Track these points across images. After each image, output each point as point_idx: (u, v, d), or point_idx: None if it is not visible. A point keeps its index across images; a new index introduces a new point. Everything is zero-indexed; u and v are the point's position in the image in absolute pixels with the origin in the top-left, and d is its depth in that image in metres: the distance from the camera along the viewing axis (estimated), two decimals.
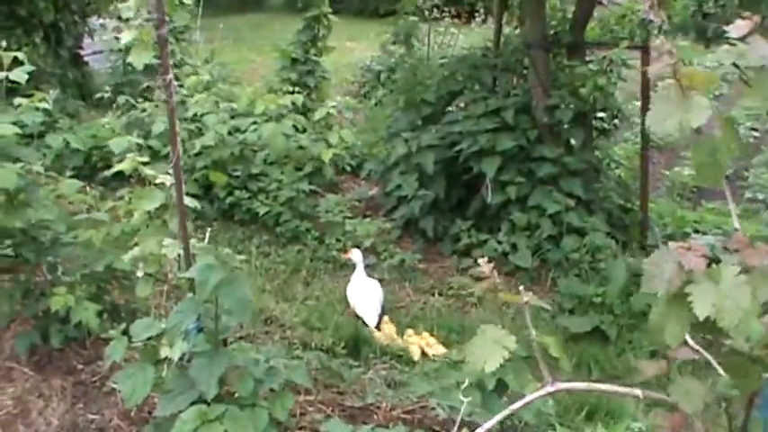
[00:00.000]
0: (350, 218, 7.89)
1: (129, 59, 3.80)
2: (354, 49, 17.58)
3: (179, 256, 4.07)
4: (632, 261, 6.85)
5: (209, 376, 3.69)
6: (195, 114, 7.65)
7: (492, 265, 2.47)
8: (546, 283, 6.97)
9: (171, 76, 3.67)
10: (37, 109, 5.14)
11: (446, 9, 13.88)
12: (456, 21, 15.27)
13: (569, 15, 7.65)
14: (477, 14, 17.13)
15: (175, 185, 3.87)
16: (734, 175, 11.23)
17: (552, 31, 7.57)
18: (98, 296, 5.47)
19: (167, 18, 3.77)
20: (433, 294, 6.89)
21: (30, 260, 5.28)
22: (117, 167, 4.58)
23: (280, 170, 8.06)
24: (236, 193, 7.80)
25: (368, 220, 7.80)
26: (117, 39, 10.12)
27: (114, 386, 5.04)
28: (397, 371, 5.65)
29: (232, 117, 8.00)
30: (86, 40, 13.30)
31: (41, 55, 10.30)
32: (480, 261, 2.43)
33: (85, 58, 13.40)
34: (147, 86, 9.00)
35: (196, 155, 7.68)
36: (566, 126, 7.18)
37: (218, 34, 12.88)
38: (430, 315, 6.50)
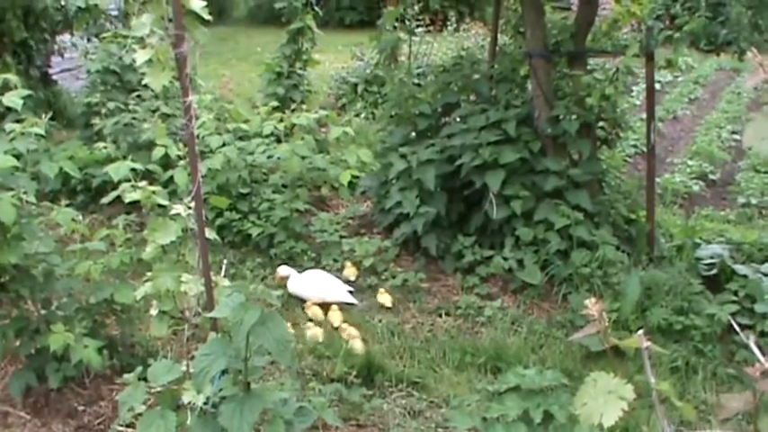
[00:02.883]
0: (345, 237, 7.65)
1: (145, 81, 3.51)
2: (324, 60, 17.31)
3: (200, 292, 3.79)
4: (644, 274, 6.65)
5: (241, 423, 3.40)
6: (198, 136, 7.32)
7: (594, 302, 2.22)
8: (556, 299, 6.73)
9: (191, 98, 3.39)
10: (31, 135, 4.83)
11: (420, 18, 13.66)
12: (430, 29, 15.07)
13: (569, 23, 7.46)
14: (449, 22, 17.01)
15: (196, 218, 3.59)
16: (721, 180, 11.15)
17: (553, 40, 7.35)
18: (95, 331, 5.16)
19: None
20: (440, 315, 6.62)
21: (24, 296, 4.95)
22: (130, 197, 4.25)
23: (270, 189, 7.78)
24: (226, 214, 7.49)
25: (365, 238, 7.54)
26: (88, 57, 9.81)
27: (120, 429, 4.75)
28: (415, 399, 5.39)
29: (239, 138, 7.71)
30: (54, 59, 12.96)
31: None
32: (587, 302, 2.17)
33: (54, 77, 13.05)
34: (138, 95, 8.67)
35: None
36: (571, 137, 6.95)
37: (198, 48, 12.57)
38: (441, 337, 6.23)
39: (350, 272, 7.06)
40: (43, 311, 5.06)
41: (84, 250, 5.38)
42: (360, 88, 13.39)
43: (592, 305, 2.13)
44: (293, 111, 7.16)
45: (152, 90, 8.80)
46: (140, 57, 3.40)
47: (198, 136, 7.06)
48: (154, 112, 8.31)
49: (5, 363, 5.49)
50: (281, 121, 7.21)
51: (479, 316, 6.55)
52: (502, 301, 6.74)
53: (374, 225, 8.17)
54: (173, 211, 3.89)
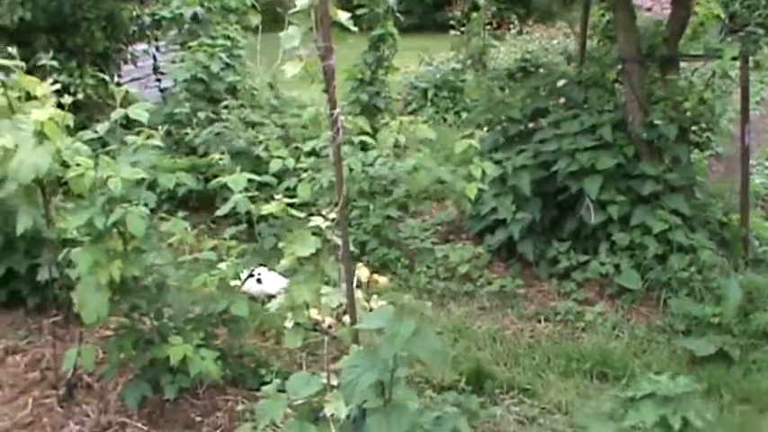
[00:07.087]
0: (437, 243, 7.64)
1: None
2: None
3: (340, 305, 3.81)
4: (743, 278, 6.58)
5: None
6: (314, 149, 7.32)
7: None
8: (655, 304, 6.68)
9: (339, 110, 3.41)
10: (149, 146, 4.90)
11: (489, 23, 13.67)
12: (497, 32, 15.09)
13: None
14: (512, 26, 17.03)
15: (341, 232, 3.60)
16: None
17: (647, 45, 7.29)
18: (207, 342, 5.18)
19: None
20: (539, 321, 6.59)
21: (141, 307, 4.98)
22: (267, 209, 4.27)
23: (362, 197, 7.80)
24: None
25: (458, 244, 7.52)
26: (155, 69, 9.87)
27: None
28: (527, 405, 5.37)
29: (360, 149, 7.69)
30: (124, 68, 13.06)
31: (92, 86, 10.05)
32: None
33: (124, 86, 13.15)
34: (226, 106, 8.73)
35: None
36: (668, 141, 6.90)
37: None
38: (543, 343, 6.21)
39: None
40: (156, 323, 5.10)
41: (194, 260, 5.43)
42: (430, 93, 13.35)
43: None
44: (411, 122, 7.12)
45: (237, 98, 8.92)
46: (290, 69, 3.41)
47: (314, 149, 7.10)
48: (242, 120, 8.37)
49: (115, 374, 5.52)
50: (399, 132, 7.17)
51: (579, 321, 6.52)
52: (600, 306, 6.70)
53: (462, 231, 8.16)
54: (311, 224, 3.91)
